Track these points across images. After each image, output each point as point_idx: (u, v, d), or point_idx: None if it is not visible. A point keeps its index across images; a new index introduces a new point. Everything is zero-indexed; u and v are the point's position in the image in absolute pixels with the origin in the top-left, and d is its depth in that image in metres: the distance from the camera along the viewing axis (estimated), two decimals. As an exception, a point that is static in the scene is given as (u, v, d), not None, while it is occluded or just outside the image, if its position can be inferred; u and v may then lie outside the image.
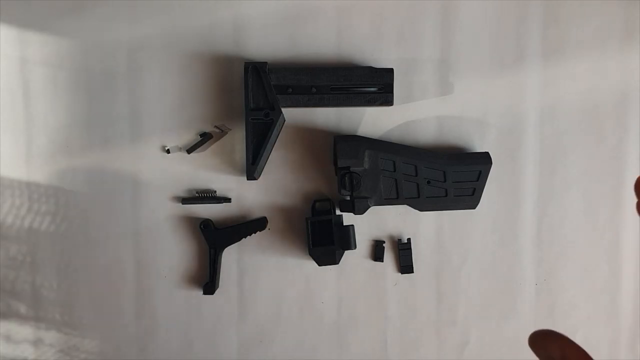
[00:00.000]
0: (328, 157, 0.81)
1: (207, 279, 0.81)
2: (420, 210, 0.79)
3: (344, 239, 0.78)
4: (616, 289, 0.85)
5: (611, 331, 0.85)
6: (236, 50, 0.80)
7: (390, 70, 0.78)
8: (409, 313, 0.84)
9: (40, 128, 0.81)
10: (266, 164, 0.80)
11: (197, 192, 0.81)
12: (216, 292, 0.81)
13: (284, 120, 0.79)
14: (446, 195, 0.78)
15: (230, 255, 0.82)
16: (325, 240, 0.78)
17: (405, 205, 0.79)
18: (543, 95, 0.82)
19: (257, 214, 0.82)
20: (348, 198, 0.78)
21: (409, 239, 0.83)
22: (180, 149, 0.81)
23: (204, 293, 0.81)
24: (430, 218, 0.83)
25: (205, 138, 0.80)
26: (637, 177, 0.81)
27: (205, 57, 0.80)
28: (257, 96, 0.76)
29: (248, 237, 0.81)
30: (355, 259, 0.83)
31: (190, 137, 0.81)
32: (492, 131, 0.82)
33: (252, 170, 0.76)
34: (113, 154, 0.81)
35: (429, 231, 0.83)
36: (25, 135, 0.81)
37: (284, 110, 0.77)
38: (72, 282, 0.82)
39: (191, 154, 0.81)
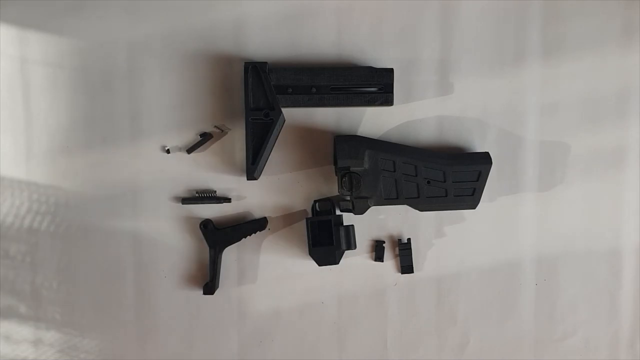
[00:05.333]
0: (328, 157, 0.81)
1: (207, 279, 0.81)
2: (420, 210, 0.79)
3: (344, 239, 0.78)
4: (616, 289, 0.85)
5: (611, 331, 0.85)
6: (236, 50, 0.80)
7: (390, 70, 0.78)
8: (409, 313, 0.84)
9: (40, 128, 0.81)
10: (266, 164, 0.80)
11: (197, 192, 0.81)
12: (216, 292, 0.81)
13: (284, 120, 0.79)
14: (446, 195, 0.78)
15: (230, 255, 0.82)
16: (325, 240, 0.78)
17: (405, 205, 0.79)
18: (543, 94, 0.82)
19: (257, 214, 0.82)
20: (348, 198, 0.78)
21: (409, 239, 0.83)
22: (180, 149, 0.81)
23: (204, 293, 0.81)
24: (430, 218, 0.83)
25: (205, 138, 0.80)
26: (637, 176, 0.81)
27: (205, 57, 0.80)
28: (257, 96, 0.76)
29: (248, 237, 0.81)
30: (355, 259, 0.83)
31: (190, 137, 0.81)
32: (492, 131, 0.82)
33: (252, 170, 0.76)
34: (113, 154, 0.81)
35: (429, 231, 0.83)
36: (25, 135, 0.81)
37: (284, 110, 0.77)
38: (72, 282, 0.82)
39: (191, 154, 0.81)
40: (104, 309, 0.83)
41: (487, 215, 0.83)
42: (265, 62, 0.76)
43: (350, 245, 0.78)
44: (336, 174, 0.78)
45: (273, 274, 0.83)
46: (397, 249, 0.83)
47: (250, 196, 0.82)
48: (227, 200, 0.81)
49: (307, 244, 0.79)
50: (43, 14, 0.79)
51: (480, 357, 0.85)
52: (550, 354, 0.85)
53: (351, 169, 0.75)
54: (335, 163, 0.78)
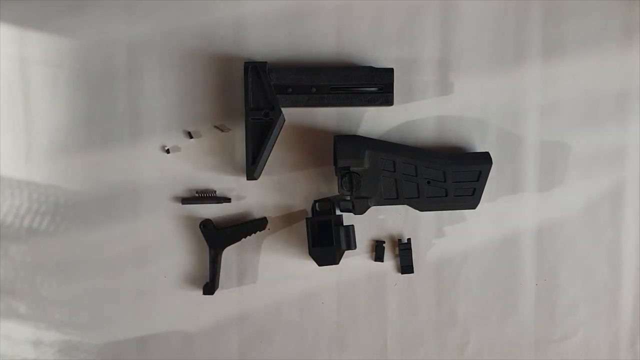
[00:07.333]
0: (328, 157, 0.81)
1: (207, 279, 0.81)
2: (420, 210, 0.79)
3: (344, 239, 0.78)
4: (616, 289, 0.85)
5: (611, 331, 0.85)
6: (236, 49, 0.80)
7: (390, 70, 0.78)
8: (409, 313, 0.84)
9: (40, 128, 0.81)
10: (266, 164, 0.80)
11: (197, 192, 0.81)
12: (216, 292, 0.81)
13: (284, 120, 0.79)
14: (446, 195, 0.78)
15: (230, 255, 0.82)
16: (325, 240, 0.78)
17: (405, 205, 0.79)
18: (543, 94, 0.82)
19: (257, 214, 0.82)
20: (348, 198, 0.78)
21: (409, 239, 0.83)
22: (180, 149, 0.81)
23: (204, 293, 0.81)
24: (430, 218, 0.83)
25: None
26: (637, 177, 0.81)
27: (205, 57, 0.80)
28: (257, 96, 0.76)
29: (248, 237, 0.81)
30: (355, 259, 0.83)
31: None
32: (492, 131, 0.82)
33: (252, 170, 0.76)
34: (113, 154, 0.81)
35: (429, 231, 0.83)
36: (25, 135, 0.81)
37: (284, 110, 0.77)
38: (72, 282, 0.82)
39: (191, 155, 0.81)
40: (104, 309, 0.83)
41: (487, 215, 0.83)
42: (265, 62, 0.76)
43: (350, 245, 0.78)
44: (336, 174, 0.78)
45: (273, 274, 0.83)
46: (397, 249, 0.83)
47: (250, 196, 0.82)
48: (227, 200, 0.81)
49: (307, 244, 0.79)
50: (43, 14, 0.79)
51: (480, 357, 0.85)
52: (550, 354, 0.85)
53: (351, 169, 0.75)
54: (335, 163, 0.78)
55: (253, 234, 0.81)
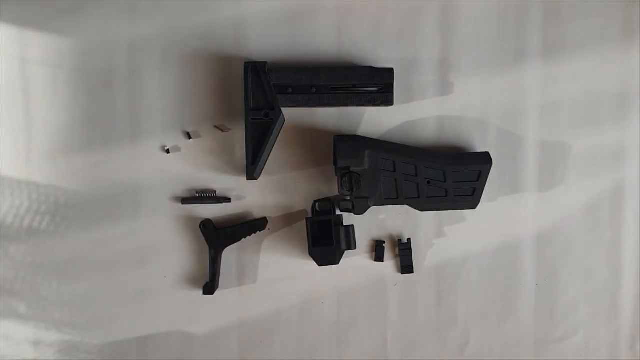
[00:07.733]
0: (328, 157, 0.81)
1: (207, 279, 0.81)
2: (420, 210, 0.79)
3: (344, 239, 0.78)
4: (616, 289, 0.85)
5: (611, 331, 0.85)
6: (236, 49, 0.80)
7: (390, 70, 0.78)
8: (409, 313, 0.84)
9: (40, 128, 0.81)
10: (266, 164, 0.80)
11: (197, 192, 0.81)
12: (216, 292, 0.81)
13: (284, 120, 0.79)
14: (446, 195, 0.78)
15: (230, 255, 0.82)
16: (325, 240, 0.78)
17: (405, 205, 0.79)
18: (543, 94, 0.82)
19: (257, 214, 0.82)
20: (348, 198, 0.78)
21: (409, 239, 0.83)
22: (180, 149, 0.81)
23: (204, 293, 0.81)
24: (430, 218, 0.83)
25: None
26: (638, 177, 0.81)
27: (205, 57, 0.80)
28: (257, 96, 0.76)
29: (248, 237, 0.81)
30: (355, 259, 0.83)
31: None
32: (492, 131, 0.82)
33: (252, 170, 0.76)
34: (113, 154, 0.81)
35: (429, 231, 0.83)
36: (25, 135, 0.81)
37: (284, 110, 0.77)
38: (72, 282, 0.82)
39: (190, 155, 0.81)
40: (104, 309, 0.83)
41: (487, 215, 0.83)
42: (265, 62, 0.76)
43: (350, 245, 0.78)
44: (336, 174, 0.78)
45: (273, 274, 0.83)
46: (397, 249, 0.83)
47: (250, 196, 0.82)
48: (227, 200, 0.81)
49: (307, 244, 0.79)
50: (43, 14, 0.79)
51: (480, 357, 0.85)
52: (550, 354, 0.85)
53: (351, 169, 0.75)
54: (335, 163, 0.78)
55: (253, 234, 0.81)
